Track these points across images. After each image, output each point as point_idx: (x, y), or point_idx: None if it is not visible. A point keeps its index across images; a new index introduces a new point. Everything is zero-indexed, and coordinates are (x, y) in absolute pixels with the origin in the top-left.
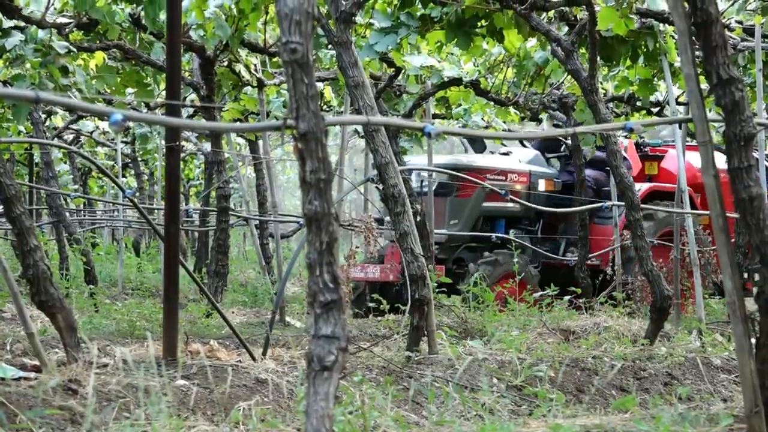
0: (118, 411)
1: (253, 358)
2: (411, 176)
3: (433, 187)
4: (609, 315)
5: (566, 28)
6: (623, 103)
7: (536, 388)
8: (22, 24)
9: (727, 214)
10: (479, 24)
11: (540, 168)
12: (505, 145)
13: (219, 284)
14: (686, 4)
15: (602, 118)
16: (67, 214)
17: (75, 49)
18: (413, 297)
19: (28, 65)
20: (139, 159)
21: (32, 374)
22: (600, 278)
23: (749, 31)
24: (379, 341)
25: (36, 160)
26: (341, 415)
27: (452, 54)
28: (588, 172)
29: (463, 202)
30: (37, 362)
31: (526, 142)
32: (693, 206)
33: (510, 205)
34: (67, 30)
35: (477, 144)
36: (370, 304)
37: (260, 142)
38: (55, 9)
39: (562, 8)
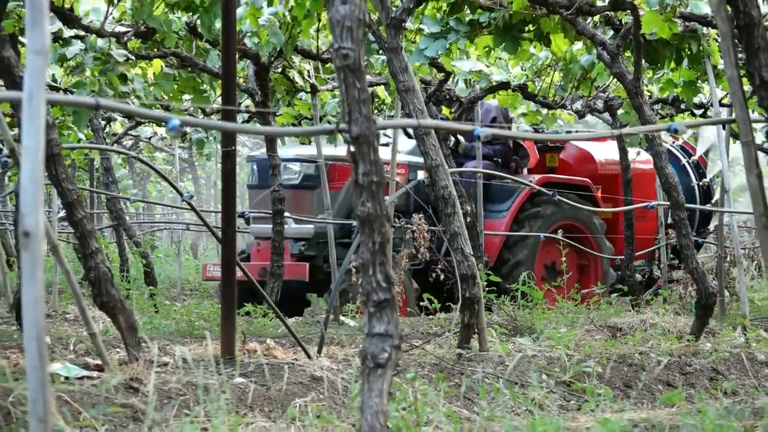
0: (178, 408)
1: (309, 356)
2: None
3: (298, 180)
4: (655, 312)
5: (611, 32)
6: (668, 105)
7: (584, 383)
8: (82, 33)
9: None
10: (526, 29)
11: (420, 159)
12: (387, 136)
13: (275, 285)
14: (729, 8)
15: (647, 120)
16: (127, 217)
17: (133, 57)
18: (464, 295)
19: (88, 73)
20: (196, 163)
21: (95, 373)
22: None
23: None
24: (430, 339)
25: (96, 166)
26: (395, 411)
27: (500, 58)
28: (471, 163)
29: (332, 195)
30: (99, 361)
31: (410, 131)
32: (594, 199)
33: (386, 197)
34: (125, 39)
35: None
36: (422, 303)
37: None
38: (113, 18)
39: (607, 12)
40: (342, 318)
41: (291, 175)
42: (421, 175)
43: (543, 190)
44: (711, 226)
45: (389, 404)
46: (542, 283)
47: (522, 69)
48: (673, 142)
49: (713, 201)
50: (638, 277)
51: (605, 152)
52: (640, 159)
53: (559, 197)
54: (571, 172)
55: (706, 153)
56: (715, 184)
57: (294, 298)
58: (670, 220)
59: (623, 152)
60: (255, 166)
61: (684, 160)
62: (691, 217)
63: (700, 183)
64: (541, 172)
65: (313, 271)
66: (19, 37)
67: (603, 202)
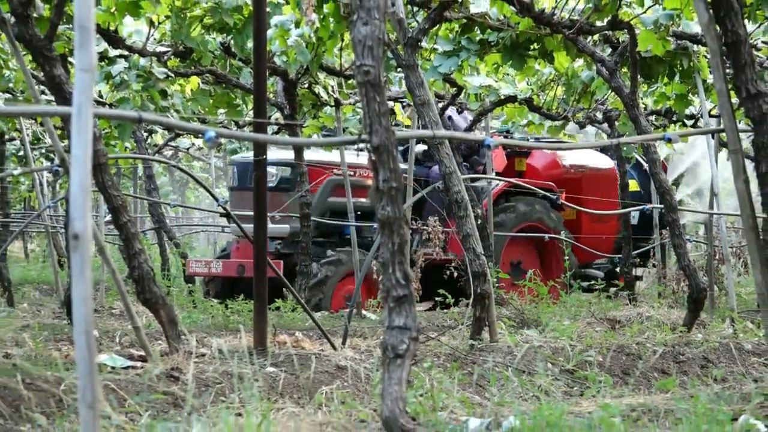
0: (215, 395)
1: (334, 348)
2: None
3: (275, 183)
4: (650, 306)
5: (609, 50)
6: (661, 116)
7: (586, 371)
8: (126, 53)
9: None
10: (532, 47)
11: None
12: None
13: (303, 282)
14: (717, 27)
15: (643, 130)
16: (168, 221)
17: (172, 75)
18: (476, 291)
19: (131, 89)
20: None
21: (139, 363)
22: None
23: None
24: (445, 331)
25: (139, 174)
26: (413, 397)
27: (508, 74)
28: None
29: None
30: (142, 353)
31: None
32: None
33: (362, 199)
34: (165, 57)
35: None
36: (437, 299)
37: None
38: (154, 39)
39: (606, 32)
40: (364, 312)
41: (269, 178)
42: None
43: (547, 195)
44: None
45: (408, 391)
46: (507, 281)
47: (528, 84)
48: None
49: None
50: (599, 273)
51: (571, 158)
52: (603, 165)
53: (563, 202)
54: (538, 176)
55: (667, 158)
56: (675, 187)
57: (271, 293)
58: (635, 221)
59: (620, 160)
60: (236, 170)
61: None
62: (651, 218)
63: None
64: (510, 176)
65: (288, 267)
66: (69, 57)
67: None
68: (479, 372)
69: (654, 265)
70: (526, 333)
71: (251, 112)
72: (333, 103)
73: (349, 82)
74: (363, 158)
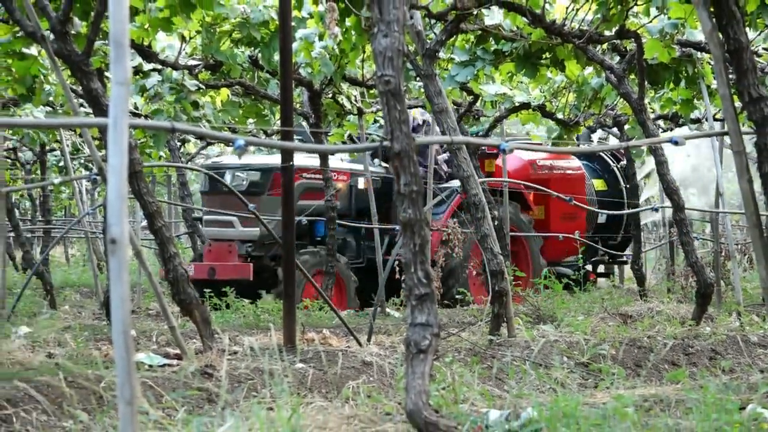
0: (247, 391)
1: (360, 344)
2: (226, 176)
3: (245, 186)
4: (660, 301)
5: (618, 58)
6: (668, 120)
7: (600, 364)
8: (160, 67)
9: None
10: (544, 56)
11: (361, 166)
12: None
13: (329, 282)
14: (720, 35)
15: (650, 133)
16: (200, 225)
17: (204, 87)
18: (494, 289)
19: (164, 101)
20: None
21: (174, 361)
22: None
23: None
24: (465, 327)
25: (173, 181)
26: (435, 391)
27: (521, 82)
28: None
29: (276, 200)
30: (178, 351)
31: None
32: (525, 201)
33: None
34: (196, 70)
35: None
36: (457, 296)
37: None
38: (186, 53)
39: (614, 41)
40: (387, 310)
41: (239, 182)
42: (360, 182)
43: (561, 196)
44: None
45: (430, 385)
46: (478, 277)
47: (541, 91)
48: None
49: (640, 201)
50: (569, 271)
51: (538, 159)
52: (571, 165)
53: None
54: (507, 177)
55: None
56: (642, 187)
57: (244, 295)
58: (603, 220)
59: (630, 162)
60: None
61: (613, 165)
62: (618, 217)
63: (628, 185)
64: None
65: (260, 270)
66: (105, 72)
67: (534, 203)
68: (498, 366)
69: (624, 263)
70: (543, 328)
71: (278, 122)
72: (356, 112)
73: (371, 91)
74: (331, 161)
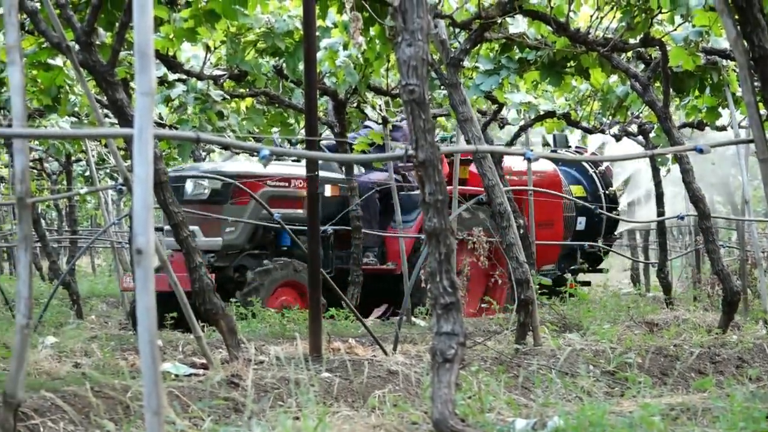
0: (273, 400)
1: (385, 353)
2: (186, 184)
3: (207, 195)
4: (687, 309)
5: (642, 66)
6: (694, 128)
7: (626, 372)
8: (184, 77)
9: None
10: (568, 64)
11: (329, 173)
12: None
13: (355, 292)
14: (745, 42)
15: (676, 141)
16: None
17: (228, 96)
18: (519, 298)
19: (189, 111)
20: None
21: (201, 371)
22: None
23: None
24: (491, 336)
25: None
26: (461, 400)
27: (546, 90)
28: (374, 176)
29: (240, 209)
30: (204, 361)
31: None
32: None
33: (300, 211)
34: (221, 80)
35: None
36: (483, 305)
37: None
38: (211, 63)
39: (639, 49)
40: (413, 319)
41: (200, 190)
42: (329, 190)
43: (587, 204)
44: (617, 233)
45: (457, 394)
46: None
47: (566, 99)
48: (581, 154)
49: (618, 208)
50: (547, 280)
51: (513, 165)
52: (546, 170)
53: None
54: (480, 183)
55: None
56: (621, 193)
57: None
58: (581, 227)
59: (655, 171)
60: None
61: (591, 171)
62: (598, 224)
63: (607, 191)
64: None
65: (222, 281)
66: (130, 82)
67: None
68: (524, 375)
69: (604, 271)
70: (568, 337)
71: (303, 131)
72: (381, 121)
73: (396, 100)
74: (297, 168)
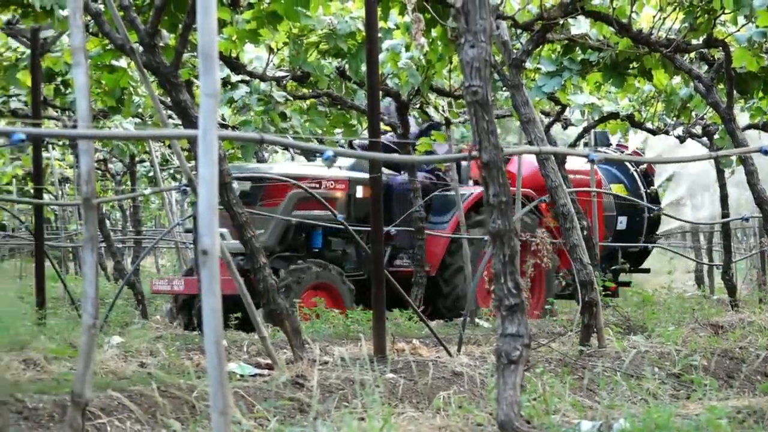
0: (338, 401)
1: (450, 354)
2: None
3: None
4: (752, 311)
5: (706, 67)
6: (759, 130)
7: (692, 375)
8: (247, 78)
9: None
10: (631, 66)
11: (360, 174)
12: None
13: (418, 292)
14: None
15: (740, 143)
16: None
17: (291, 98)
18: (583, 299)
19: (252, 112)
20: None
21: (266, 371)
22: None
23: None
24: (555, 338)
25: None
26: (526, 402)
27: (609, 92)
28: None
29: (269, 210)
30: (269, 361)
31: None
32: (538, 208)
33: (329, 213)
34: (284, 82)
35: (307, 151)
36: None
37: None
38: (273, 65)
39: (702, 50)
40: (477, 320)
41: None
42: (360, 192)
43: (650, 206)
44: (659, 232)
45: (521, 395)
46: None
47: (629, 101)
48: (622, 152)
49: (660, 206)
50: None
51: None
52: (585, 170)
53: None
54: (514, 183)
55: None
56: (662, 191)
57: (234, 310)
58: (622, 226)
59: (720, 173)
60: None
61: (632, 169)
62: (639, 223)
63: (648, 190)
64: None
65: (252, 284)
66: (193, 83)
67: (546, 210)
68: (589, 376)
69: (646, 271)
70: (633, 339)
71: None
72: (443, 122)
73: (458, 101)
74: (329, 169)
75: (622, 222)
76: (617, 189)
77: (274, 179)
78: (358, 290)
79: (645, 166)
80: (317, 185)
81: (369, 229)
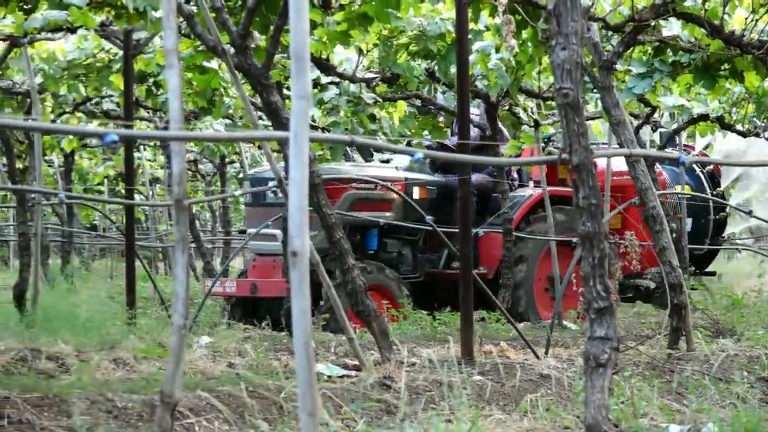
0: (425, 403)
1: (537, 357)
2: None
3: (275, 198)
4: None
5: None
6: None
7: None
8: (337, 80)
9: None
10: (722, 67)
11: (418, 175)
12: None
13: (506, 294)
14: None
15: None
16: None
17: (381, 100)
18: (672, 302)
19: (342, 114)
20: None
21: (353, 372)
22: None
23: None
24: (643, 341)
25: None
26: (614, 405)
27: (700, 93)
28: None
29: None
30: (356, 362)
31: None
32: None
33: (387, 214)
34: (374, 83)
35: (364, 151)
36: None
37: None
38: (363, 66)
39: None
40: (564, 322)
41: (270, 193)
42: (416, 192)
43: (739, 208)
44: (725, 234)
45: (610, 398)
46: (546, 294)
47: (719, 102)
48: (688, 153)
49: (727, 209)
50: (651, 284)
51: (616, 165)
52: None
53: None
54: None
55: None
56: (730, 192)
57: (279, 315)
58: (687, 228)
59: None
60: (250, 185)
61: (698, 170)
62: (705, 225)
63: (714, 192)
64: (553, 183)
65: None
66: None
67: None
68: (677, 380)
69: (712, 274)
70: (722, 342)
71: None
72: (532, 124)
73: (548, 103)
74: (386, 170)
75: (688, 223)
76: (684, 190)
77: (348, 179)
78: (413, 293)
79: (711, 167)
80: (373, 186)
81: (427, 228)
